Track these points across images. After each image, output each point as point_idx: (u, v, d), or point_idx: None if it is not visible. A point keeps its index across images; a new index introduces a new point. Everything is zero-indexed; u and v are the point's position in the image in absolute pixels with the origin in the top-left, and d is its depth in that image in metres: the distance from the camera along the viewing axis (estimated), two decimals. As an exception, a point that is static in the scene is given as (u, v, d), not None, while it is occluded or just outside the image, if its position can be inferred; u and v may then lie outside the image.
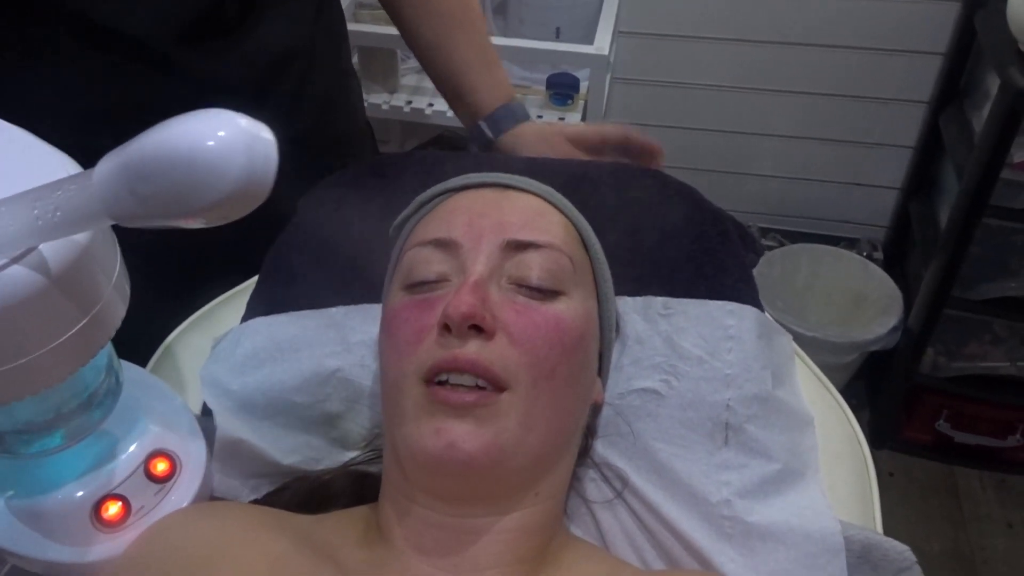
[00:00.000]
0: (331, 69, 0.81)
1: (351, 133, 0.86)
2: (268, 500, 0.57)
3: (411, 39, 0.82)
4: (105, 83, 0.65)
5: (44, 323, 0.39)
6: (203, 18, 0.64)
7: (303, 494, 0.57)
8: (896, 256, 1.83)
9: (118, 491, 0.50)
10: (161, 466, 0.53)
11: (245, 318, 0.66)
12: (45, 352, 0.40)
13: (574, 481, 0.57)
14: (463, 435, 0.45)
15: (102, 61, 0.63)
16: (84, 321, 0.41)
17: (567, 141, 0.79)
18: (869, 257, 1.78)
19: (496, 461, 0.46)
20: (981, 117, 1.41)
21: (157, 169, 0.33)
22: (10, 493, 0.50)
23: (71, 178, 0.35)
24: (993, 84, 1.34)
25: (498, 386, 0.47)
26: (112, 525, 0.50)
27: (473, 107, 0.80)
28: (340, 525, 0.52)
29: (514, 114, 0.79)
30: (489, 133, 0.80)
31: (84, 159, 0.60)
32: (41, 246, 0.38)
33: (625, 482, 0.56)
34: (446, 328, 0.47)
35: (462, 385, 0.47)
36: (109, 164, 0.34)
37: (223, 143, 0.32)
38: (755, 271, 0.68)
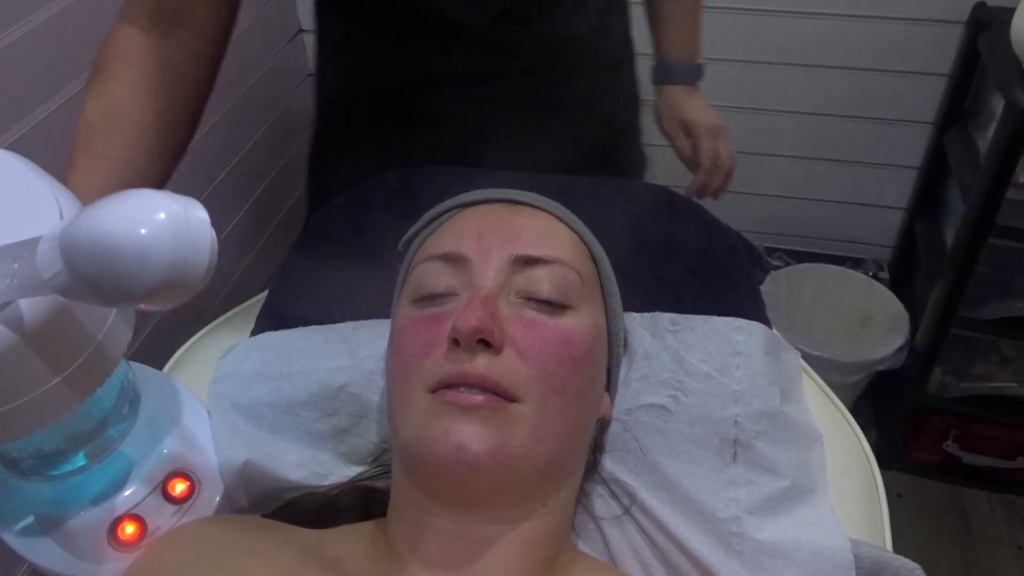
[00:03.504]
0: (606, 57, 0.87)
1: (619, 114, 0.93)
2: (275, 515, 0.57)
3: None
4: (427, 56, 0.77)
5: (31, 368, 0.39)
6: (509, 8, 0.75)
7: (310, 509, 0.57)
8: (902, 276, 1.83)
9: (135, 511, 0.51)
10: (180, 487, 0.53)
11: (255, 332, 0.67)
12: (40, 392, 0.40)
13: (582, 497, 0.57)
14: (471, 436, 0.45)
15: (427, 38, 0.76)
16: (76, 363, 0.41)
17: (679, 123, 1.01)
18: (875, 277, 1.77)
19: (503, 466, 0.46)
20: (986, 137, 1.41)
21: (91, 253, 0.32)
22: (39, 510, 0.51)
23: (24, 245, 0.35)
24: (997, 105, 1.34)
25: (508, 398, 0.47)
26: (128, 545, 0.50)
27: (656, 51, 1.01)
28: (347, 539, 0.52)
29: (669, 74, 1.01)
30: (652, 75, 1.02)
31: (403, 124, 0.79)
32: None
33: (633, 498, 0.56)
34: (455, 342, 0.48)
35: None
36: (49, 244, 0.34)
37: (152, 231, 0.32)
38: (761, 290, 0.68)
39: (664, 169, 1.05)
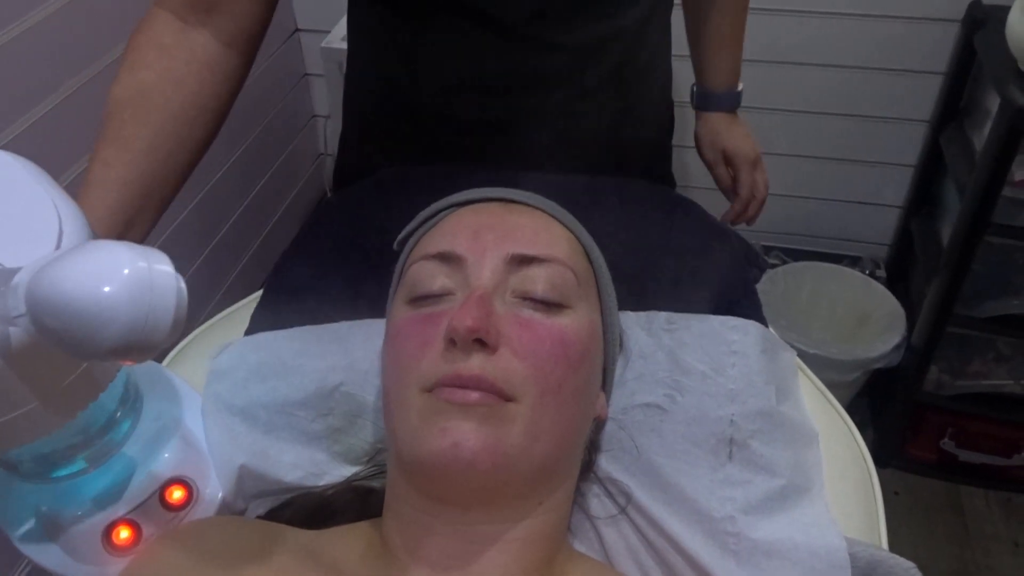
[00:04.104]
0: (650, 50, 0.85)
1: (655, 111, 0.92)
2: (271, 516, 0.57)
3: (686, 4, 0.98)
4: (472, 52, 0.76)
5: (12, 390, 0.38)
6: (544, 8, 0.73)
7: (306, 510, 0.57)
8: (899, 274, 1.83)
9: (130, 516, 0.50)
10: (177, 494, 0.53)
11: (249, 331, 0.67)
12: (21, 413, 0.39)
13: (578, 497, 0.57)
14: (467, 433, 0.45)
15: (472, 34, 0.74)
16: (62, 386, 0.40)
17: (721, 152, 1.02)
18: (872, 275, 1.77)
19: (499, 465, 0.46)
20: (982, 136, 1.41)
21: (53, 309, 0.31)
22: (39, 510, 0.51)
23: (3, 276, 0.34)
24: (993, 103, 1.35)
25: (504, 398, 0.47)
26: (123, 549, 0.50)
27: (697, 75, 1.01)
28: (343, 540, 0.52)
29: (711, 102, 1.01)
30: (693, 101, 1.02)
31: (446, 126, 0.78)
32: None
33: (629, 498, 0.56)
34: (451, 342, 0.47)
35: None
36: (20, 281, 0.33)
37: (115, 288, 0.30)
38: (758, 289, 0.68)
39: (698, 172, 1.08)
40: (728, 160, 1.02)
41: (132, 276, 0.31)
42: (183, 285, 0.33)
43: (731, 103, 1.01)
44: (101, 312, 0.31)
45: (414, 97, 0.79)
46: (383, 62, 0.81)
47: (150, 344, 0.32)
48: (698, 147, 1.05)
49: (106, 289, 0.31)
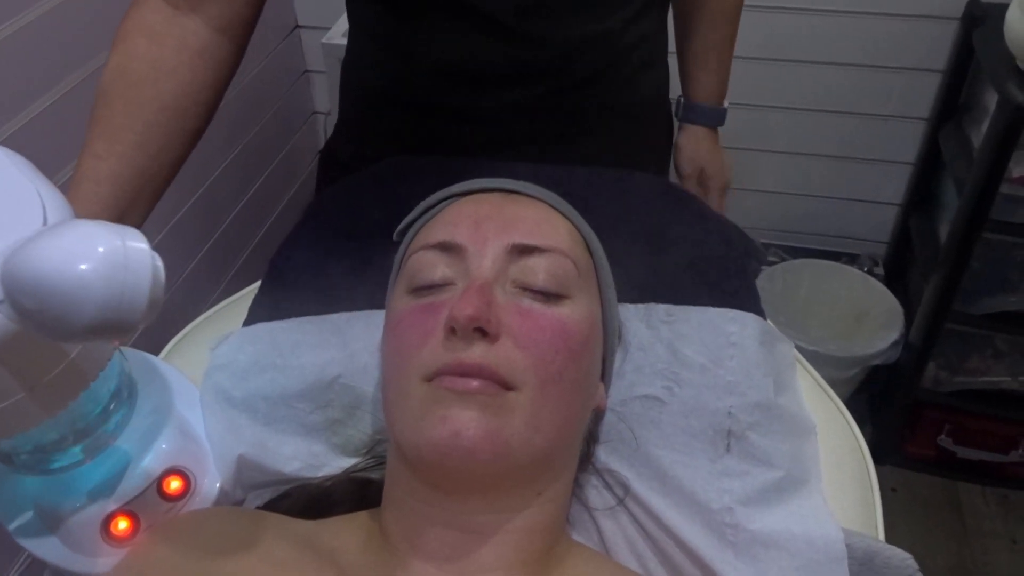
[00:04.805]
0: (643, 49, 0.84)
1: (649, 106, 0.91)
2: (269, 507, 0.57)
3: (676, 16, 0.97)
4: (461, 44, 0.75)
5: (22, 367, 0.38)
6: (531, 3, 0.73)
7: (304, 501, 0.57)
8: (897, 271, 1.83)
9: (129, 507, 0.50)
10: (175, 484, 0.53)
11: (248, 322, 0.67)
12: (5, 406, 0.38)
13: (576, 488, 0.57)
14: (468, 422, 0.45)
15: (461, 27, 0.74)
16: (46, 379, 0.40)
17: (699, 169, 1.01)
18: (870, 272, 1.78)
19: (499, 455, 0.46)
20: (980, 133, 1.42)
21: (28, 288, 0.31)
22: (37, 503, 0.51)
23: None
24: (991, 100, 1.35)
25: (505, 387, 0.47)
26: (121, 540, 0.50)
27: (684, 89, 1.01)
28: (342, 530, 0.52)
29: (695, 115, 1.00)
30: (677, 112, 1.01)
31: (439, 117, 0.79)
32: None
33: (627, 489, 0.56)
34: (451, 331, 0.47)
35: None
36: None
37: (90, 266, 0.30)
38: (756, 285, 0.68)
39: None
40: (702, 179, 1.03)
41: (107, 254, 0.31)
42: (159, 263, 0.33)
43: (713, 119, 1.01)
44: (77, 290, 0.31)
45: (407, 89, 0.79)
46: (378, 54, 0.81)
47: (127, 322, 0.32)
48: (676, 157, 1.04)
49: (81, 267, 0.31)
